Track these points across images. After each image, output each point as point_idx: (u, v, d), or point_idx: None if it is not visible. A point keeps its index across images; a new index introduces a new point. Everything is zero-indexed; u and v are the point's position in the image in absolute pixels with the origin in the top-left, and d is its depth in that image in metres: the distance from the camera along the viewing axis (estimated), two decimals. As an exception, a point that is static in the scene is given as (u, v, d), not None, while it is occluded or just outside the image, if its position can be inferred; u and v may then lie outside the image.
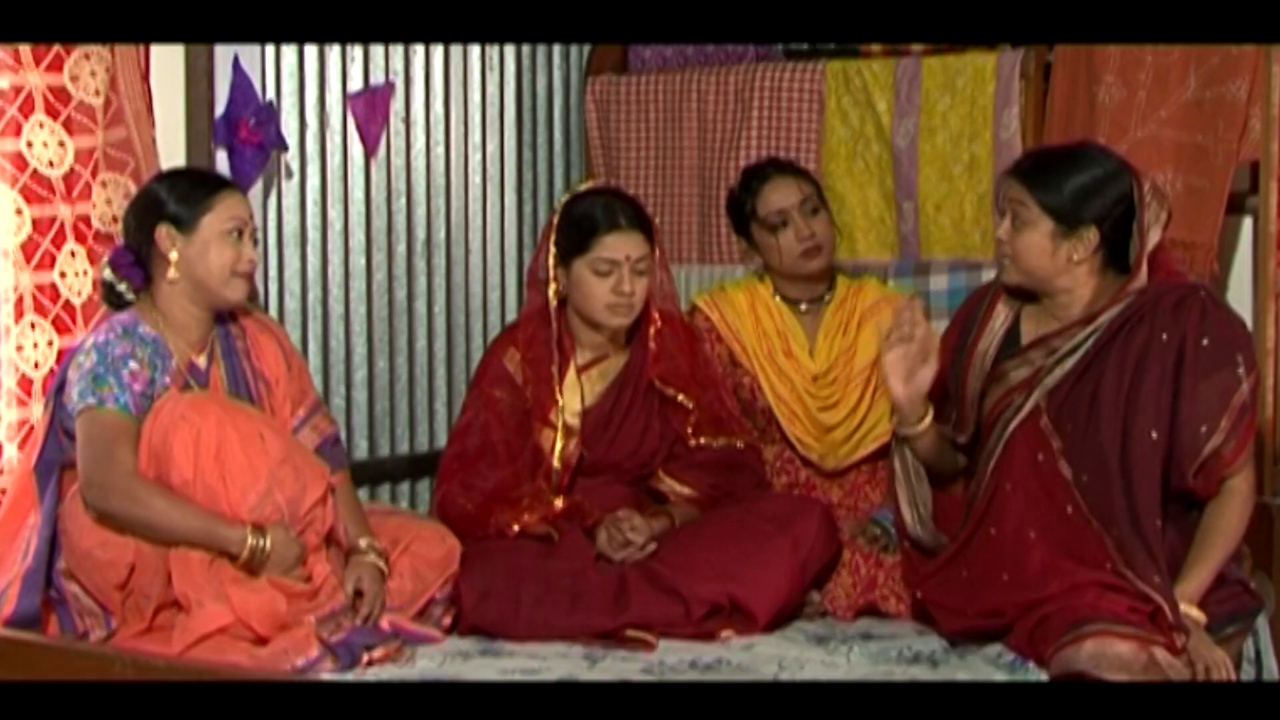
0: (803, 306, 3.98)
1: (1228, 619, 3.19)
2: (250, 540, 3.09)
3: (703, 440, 3.73)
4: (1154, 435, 3.16)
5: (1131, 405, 3.18)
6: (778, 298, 3.99)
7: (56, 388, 3.25)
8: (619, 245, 3.60)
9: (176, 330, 3.30)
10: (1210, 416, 3.15)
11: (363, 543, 3.37)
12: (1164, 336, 3.19)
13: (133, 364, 3.19)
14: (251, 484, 3.12)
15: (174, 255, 3.26)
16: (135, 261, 3.32)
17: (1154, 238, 3.25)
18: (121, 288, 3.32)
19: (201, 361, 3.33)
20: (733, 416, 3.80)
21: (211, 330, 3.37)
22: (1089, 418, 3.21)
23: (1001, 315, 3.39)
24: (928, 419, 3.38)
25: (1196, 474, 3.16)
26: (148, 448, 3.14)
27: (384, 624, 3.24)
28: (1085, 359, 3.24)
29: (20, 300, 3.40)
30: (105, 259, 3.36)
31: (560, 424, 3.65)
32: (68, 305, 3.46)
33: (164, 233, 3.27)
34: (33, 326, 3.42)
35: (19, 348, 3.41)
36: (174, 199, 3.28)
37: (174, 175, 3.41)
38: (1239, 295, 4.07)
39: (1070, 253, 3.25)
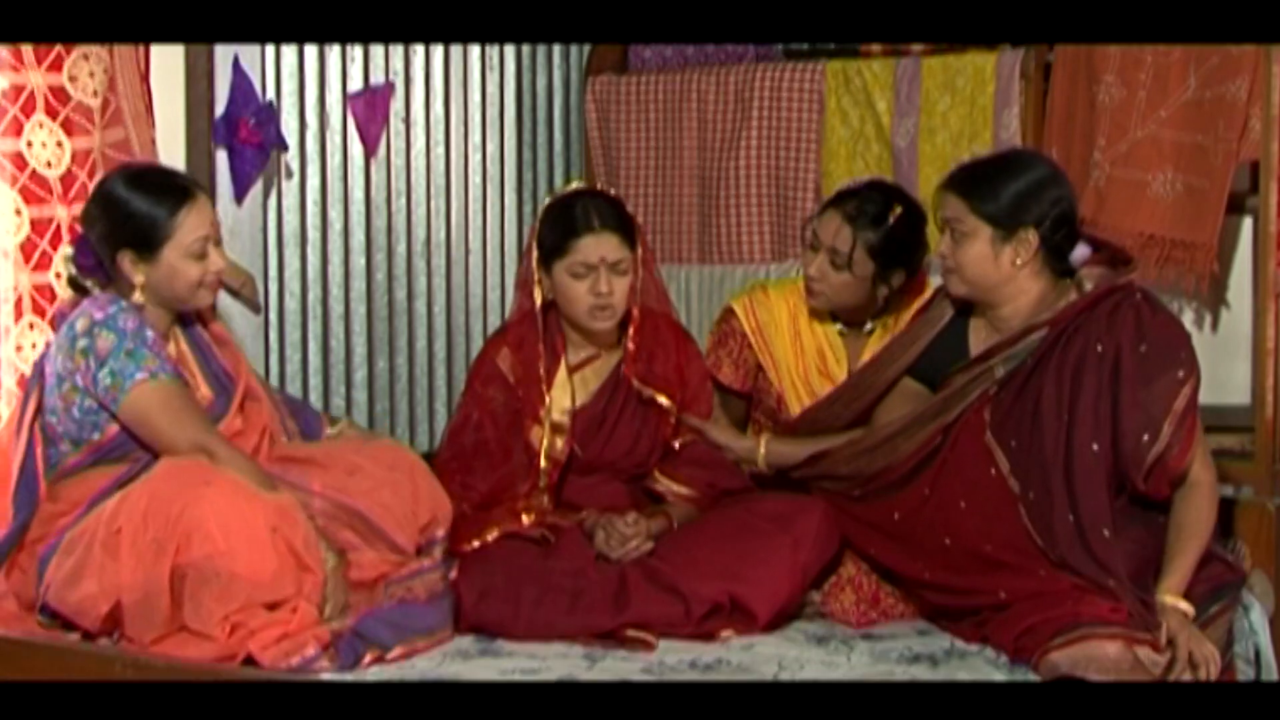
0: (839, 327, 3.85)
1: (1211, 596, 3.19)
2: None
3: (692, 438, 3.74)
4: (1095, 448, 3.17)
5: (1071, 418, 3.18)
6: None
7: (30, 393, 3.18)
8: (594, 248, 3.59)
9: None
10: (1151, 424, 3.16)
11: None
12: (1099, 347, 3.19)
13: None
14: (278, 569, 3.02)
15: (139, 278, 3.20)
16: (98, 264, 3.25)
17: (1081, 251, 3.29)
18: (88, 284, 3.27)
19: (171, 350, 3.29)
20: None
21: (173, 322, 3.32)
22: (1031, 433, 3.22)
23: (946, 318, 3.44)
24: (761, 453, 3.62)
25: (1146, 479, 3.18)
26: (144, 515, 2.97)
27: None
28: (1025, 371, 3.25)
29: (19, 300, 3.40)
30: (68, 255, 3.30)
31: (548, 422, 3.65)
32: (61, 307, 3.47)
33: (127, 260, 3.19)
34: (31, 327, 3.42)
35: (18, 348, 3.41)
36: (133, 225, 3.18)
37: (134, 185, 3.23)
38: (1239, 295, 4.08)
39: (1012, 257, 3.26)
